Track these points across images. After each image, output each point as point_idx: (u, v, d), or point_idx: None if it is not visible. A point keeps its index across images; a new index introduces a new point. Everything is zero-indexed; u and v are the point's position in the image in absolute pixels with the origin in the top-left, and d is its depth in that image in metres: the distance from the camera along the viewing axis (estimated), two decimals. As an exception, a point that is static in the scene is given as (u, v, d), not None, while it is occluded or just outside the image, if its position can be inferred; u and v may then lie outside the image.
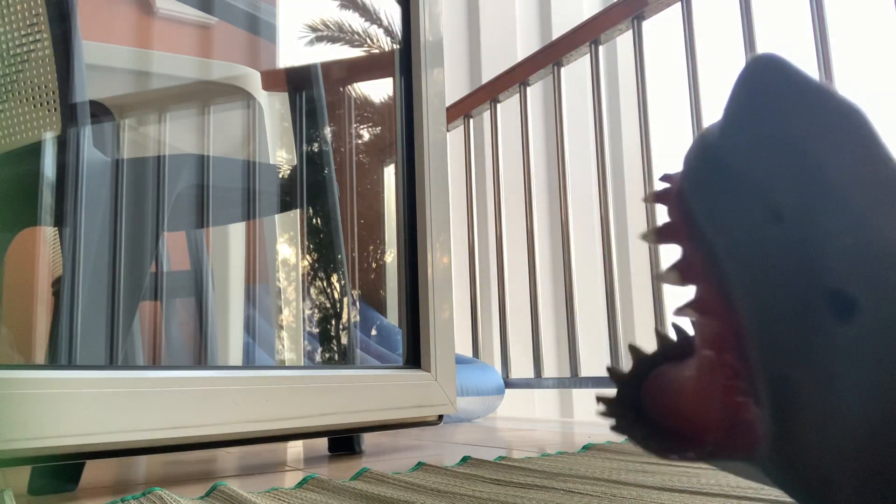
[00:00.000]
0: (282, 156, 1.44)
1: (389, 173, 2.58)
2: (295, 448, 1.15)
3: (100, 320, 0.87)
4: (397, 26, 1.19)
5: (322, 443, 1.10)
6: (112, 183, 0.95)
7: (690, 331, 0.32)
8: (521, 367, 1.92)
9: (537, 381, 1.82)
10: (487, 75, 3.24)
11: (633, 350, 0.34)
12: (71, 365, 0.81)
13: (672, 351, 0.33)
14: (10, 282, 1.25)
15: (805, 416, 0.25)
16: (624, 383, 0.33)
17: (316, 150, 1.33)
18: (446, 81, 1.17)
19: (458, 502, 0.56)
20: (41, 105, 0.95)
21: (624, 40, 1.74)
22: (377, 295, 2.70)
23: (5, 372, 0.64)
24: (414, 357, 1.06)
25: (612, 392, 0.33)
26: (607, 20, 1.68)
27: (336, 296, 1.34)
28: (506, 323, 1.96)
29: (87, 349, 0.84)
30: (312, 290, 1.42)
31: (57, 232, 1.06)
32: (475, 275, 2.09)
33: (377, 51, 3.27)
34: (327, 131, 1.35)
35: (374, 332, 2.16)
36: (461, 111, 2.15)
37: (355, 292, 2.13)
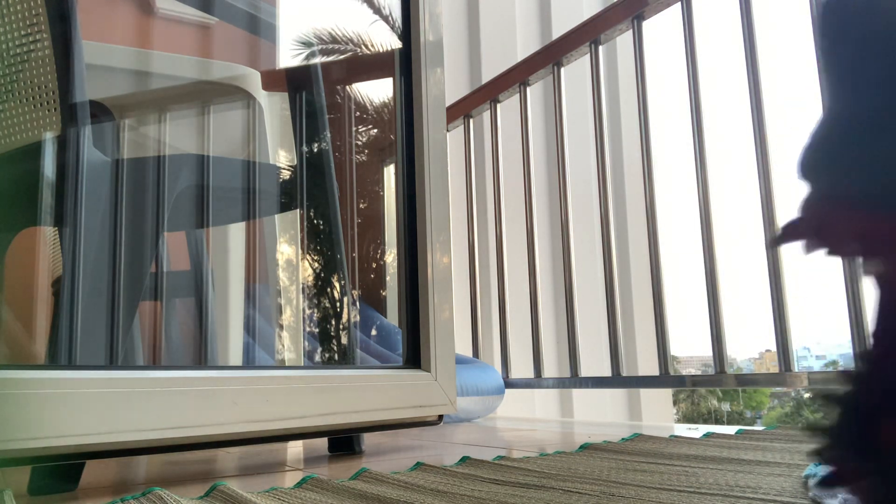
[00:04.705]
0: (282, 156, 1.44)
1: (389, 173, 2.58)
2: (295, 448, 1.15)
3: (100, 320, 0.87)
4: (397, 23, 1.19)
5: (322, 443, 1.10)
6: (112, 183, 0.95)
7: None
8: (521, 367, 1.92)
9: (537, 381, 1.82)
10: (487, 75, 3.25)
11: (832, 400, 0.28)
12: (71, 365, 0.81)
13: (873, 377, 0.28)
14: (10, 282, 1.25)
15: None
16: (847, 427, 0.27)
17: (316, 150, 1.33)
18: (446, 81, 1.17)
19: (457, 502, 0.56)
20: (41, 105, 0.95)
21: (624, 40, 1.74)
22: (377, 295, 2.71)
23: (5, 372, 0.64)
24: (414, 357, 1.06)
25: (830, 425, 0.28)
26: (607, 20, 1.68)
27: (336, 296, 1.34)
28: (506, 323, 1.96)
29: (87, 349, 0.84)
30: (312, 290, 1.42)
31: (57, 232, 1.07)
32: (475, 275, 2.09)
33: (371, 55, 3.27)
34: (327, 131, 1.35)
35: (374, 332, 2.16)
36: (461, 111, 2.15)
37: (355, 292, 2.13)
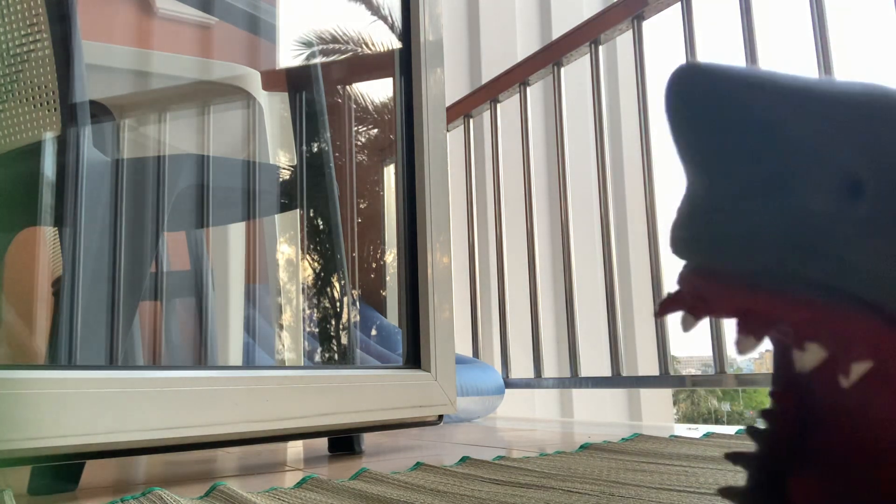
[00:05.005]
0: (282, 156, 1.44)
1: (389, 173, 2.58)
2: (295, 448, 1.15)
3: (100, 320, 0.87)
4: (397, 23, 1.19)
5: (322, 443, 1.10)
6: (112, 183, 0.95)
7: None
8: (521, 367, 1.92)
9: (537, 381, 1.82)
10: (487, 75, 3.25)
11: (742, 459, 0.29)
12: (71, 365, 0.81)
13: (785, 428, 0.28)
14: (10, 282, 1.25)
15: None
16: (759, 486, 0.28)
17: (316, 150, 1.33)
18: (446, 81, 1.17)
19: (457, 502, 0.56)
20: (41, 105, 0.95)
21: (624, 40, 1.74)
22: (377, 295, 2.71)
23: (5, 372, 0.64)
24: (414, 357, 1.06)
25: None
26: (607, 20, 1.67)
27: (336, 296, 1.34)
28: (506, 323, 1.96)
29: (87, 349, 0.84)
30: (312, 290, 1.42)
31: (57, 232, 1.07)
32: (475, 275, 2.09)
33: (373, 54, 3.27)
34: (327, 131, 1.35)
35: (374, 332, 2.16)
36: (461, 111, 2.15)
37: (355, 292, 2.13)
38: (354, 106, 3.09)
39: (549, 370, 1.85)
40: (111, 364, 0.87)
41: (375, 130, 3.20)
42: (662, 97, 0.27)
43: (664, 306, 0.29)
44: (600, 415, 4.12)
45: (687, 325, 0.28)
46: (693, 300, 0.27)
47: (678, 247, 0.28)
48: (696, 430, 1.16)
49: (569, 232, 1.78)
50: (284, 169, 1.36)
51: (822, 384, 0.26)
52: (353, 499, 0.58)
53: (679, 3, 1.51)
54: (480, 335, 2.10)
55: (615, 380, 1.58)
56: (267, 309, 1.56)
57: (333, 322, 1.34)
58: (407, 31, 1.15)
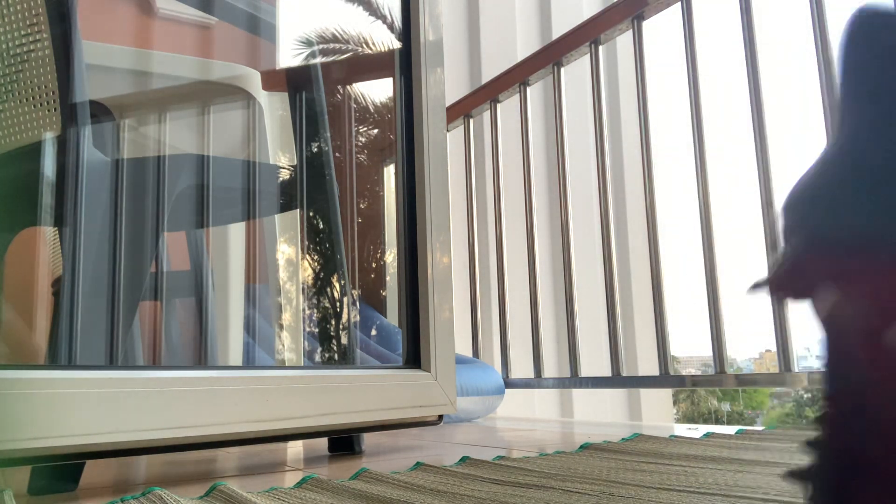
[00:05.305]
0: (282, 156, 1.44)
1: (389, 173, 2.58)
2: (295, 448, 1.15)
3: (100, 320, 0.87)
4: (397, 23, 1.19)
5: (322, 443, 1.10)
6: (112, 183, 0.95)
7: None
8: (521, 367, 1.92)
9: (537, 381, 1.82)
10: (487, 75, 3.25)
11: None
12: (71, 365, 0.81)
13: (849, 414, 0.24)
14: (10, 282, 1.25)
15: None
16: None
17: (316, 150, 1.33)
18: (446, 81, 1.17)
19: (457, 502, 0.56)
20: (41, 105, 0.95)
21: (624, 40, 1.74)
22: (377, 295, 2.71)
23: (5, 372, 0.64)
24: (414, 357, 1.06)
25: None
26: (607, 20, 1.68)
27: (336, 296, 1.34)
28: (506, 323, 1.96)
29: (87, 349, 0.84)
30: (312, 290, 1.42)
31: (57, 232, 1.07)
32: (475, 275, 2.09)
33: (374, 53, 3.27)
34: (327, 131, 1.35)
35: (374, 332, 2.16)
36: (461, 111, 2.15)
37: (355, 292, 2.13)
38: (354, 106, 3.09)
39: (549, 370, 1.85)
40: (111, 364, 0.87)
41: (375, 130, 3.20)
42: (841, 40, 0.24)
43: (775, 285, 0.24)
44: (600, 415, 4.11)
45: (815, 311, 0.23)
46: (816, 279, 0.23)
47: (803, 214, 0.23)
48: (696, 430, 1.16)
49: (569, 232, 1.78)
50: (284, 169, 1.36)
51: None
52: (353, 499, 0.58)
53: (679, 3, 1.51)
54: (480, 335, 2.10)
55: (615, 380, 1.58)
56: (267, 309, 1.56)
57: (333, 322, 1.34)
58: (407, 31, 1.15)
